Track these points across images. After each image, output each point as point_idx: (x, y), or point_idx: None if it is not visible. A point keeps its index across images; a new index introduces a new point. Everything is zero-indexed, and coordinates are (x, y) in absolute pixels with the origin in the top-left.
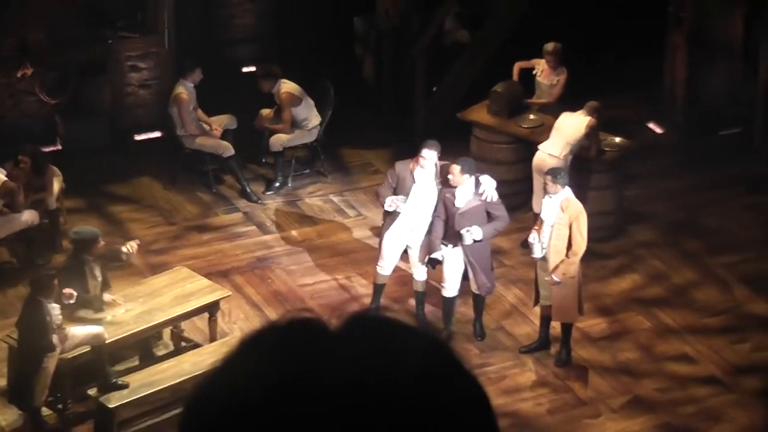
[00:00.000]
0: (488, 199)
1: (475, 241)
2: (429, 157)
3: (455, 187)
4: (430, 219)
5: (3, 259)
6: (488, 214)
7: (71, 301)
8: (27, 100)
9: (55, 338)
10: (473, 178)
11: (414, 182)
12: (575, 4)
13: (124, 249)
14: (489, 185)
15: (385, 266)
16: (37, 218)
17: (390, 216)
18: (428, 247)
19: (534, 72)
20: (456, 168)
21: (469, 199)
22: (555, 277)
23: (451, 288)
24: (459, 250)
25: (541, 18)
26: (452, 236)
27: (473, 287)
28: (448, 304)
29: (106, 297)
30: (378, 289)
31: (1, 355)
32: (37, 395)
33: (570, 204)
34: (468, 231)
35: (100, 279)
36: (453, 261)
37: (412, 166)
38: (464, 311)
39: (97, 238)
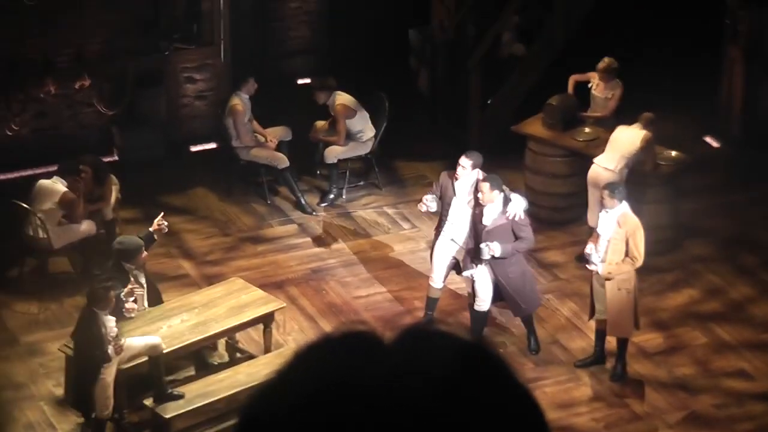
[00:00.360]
0: (514, 218)
1: (493, 257)
2: (464, 164)
3: (484, 205)
4: (464, 233)
5: (60, 269)
6: (515, 234)
7: (132, 315)
8: (84, 111)
9: (110, 349)
10: (502, 195)
11: (454, 194)
12: (630, 17)
13: (152, 229)
14: (518, 204)
15: (436, 279)
16: (95, 229)
17: (438, 228)
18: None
19: (589, 85)
20: (485, 185)
21: (495, 217)
22: (600, 270)
23: (480, 303)
24: (486, 267)
25: (596, 31)
26: (479, 254)
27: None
28: (477, 318)
29: (129, 305)
30: (430, 302)
31: (59, 364)
32: (101, 407)
33: (627, 219)
34: (486, 245)
35: (145, 288)
36: (482, 277)
37: (454, 177)
38: (519, 324)
39: (141, 248)
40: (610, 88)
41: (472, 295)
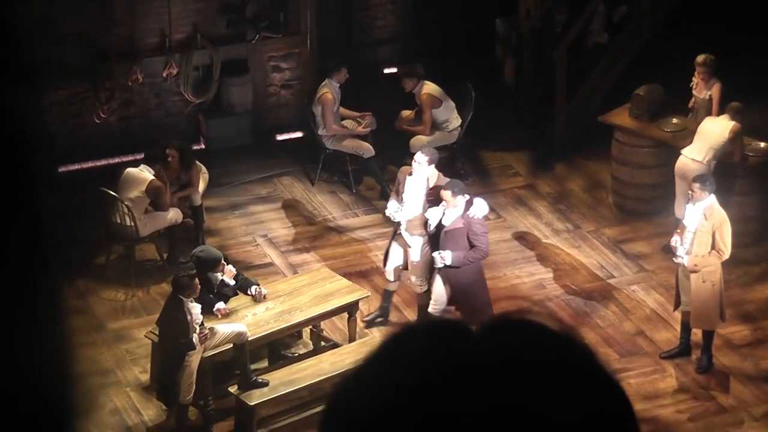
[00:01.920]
0: (471, 225)
1: (446, 265)
2: (420, 160)
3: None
4: (416, 228)
5: (147, 257)
6: (470, 242)
7: (221, 316)
8: (171, 100)
9: (195, 337)
10: (465, 198)
11: (404, 190)
12: (717, 5)
13: (253, 290)
14: (479, 209)
15: (388, 274)
16: (181, 216)
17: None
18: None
19: (691, 85)
20: (447, 193)
21: (455, 219)
22: (686, 263)
23: (436, 306)
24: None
25: (683, 20)
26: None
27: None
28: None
29: (219, 305)
30: (386, 294)
31: (145, 351)
32: (184, 393)
33: (714, 211)
34: (439, 254)
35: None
36: (440, 282)
37: (409, 172)
38: (604, 315)
39: (219, 260)
40: (708, 86)
41: (429, 296)
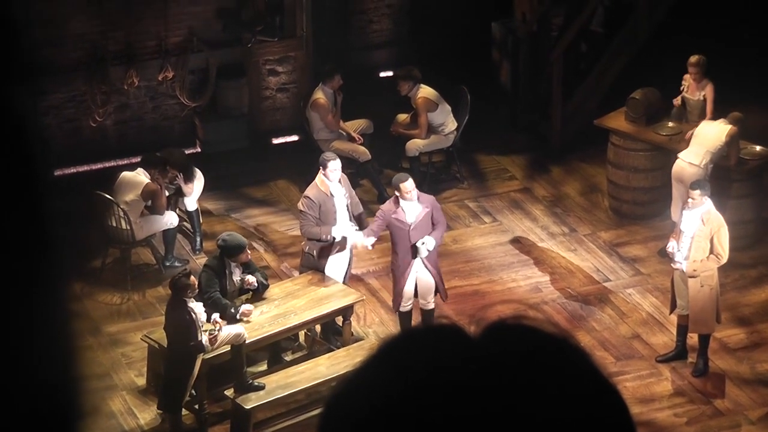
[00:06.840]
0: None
1: (429, 251)
2: (336, 167)
3: (399, 207)
4: (348, 225)
5: (142, 260)
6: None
7: (248, 318)
8: (167, 103)
9: (205, 339)
10: (415, 190)
11: (333, 196)
12: (713, 10)
13: (244, 310)
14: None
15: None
16: (177, 220)
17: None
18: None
19: (681, 88)
20: (408, 184)
21: (418, 212)
22: (684, 268)
23: (429, 301)
24: (419, 262)
25: (679, 24)
26: (411, 252)
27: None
28: (430, 317)
29: (245, 307)
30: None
31: (141, 354)
32: (181, 397)
33: (711, 216)
34: (423, 243)
35: (238, 286)
36: (423, 274)
37: (324, 186)
38: (600, 318)
39: (242, 248)
40: (701, 87)
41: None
